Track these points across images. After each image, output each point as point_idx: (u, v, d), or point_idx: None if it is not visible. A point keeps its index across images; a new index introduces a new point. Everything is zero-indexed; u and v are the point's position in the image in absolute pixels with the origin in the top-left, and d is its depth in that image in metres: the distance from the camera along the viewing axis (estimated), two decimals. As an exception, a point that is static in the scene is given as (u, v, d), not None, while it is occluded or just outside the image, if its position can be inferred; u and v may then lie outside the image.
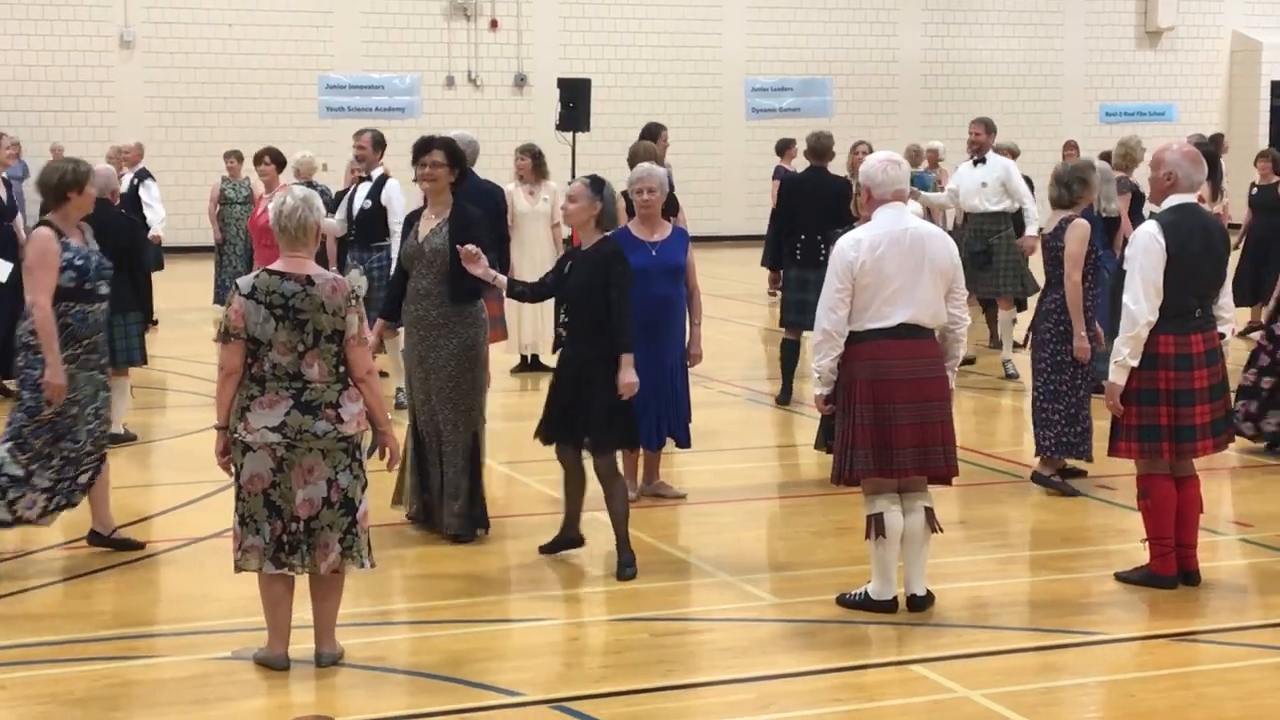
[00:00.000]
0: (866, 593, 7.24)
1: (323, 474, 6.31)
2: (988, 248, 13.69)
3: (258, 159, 14.68)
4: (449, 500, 8.36)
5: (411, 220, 8.52)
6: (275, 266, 6.36)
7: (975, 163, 13.93)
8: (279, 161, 14.59)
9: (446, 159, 8.30)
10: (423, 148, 8.37)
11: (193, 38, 26.06)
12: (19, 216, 12.97)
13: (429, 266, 8.23)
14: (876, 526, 7.14)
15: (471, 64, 27.72)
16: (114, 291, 10.51)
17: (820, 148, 12.67)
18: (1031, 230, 13.60)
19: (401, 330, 8.84)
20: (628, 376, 7.77)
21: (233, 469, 6.40)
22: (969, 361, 13.84)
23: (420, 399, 8.42)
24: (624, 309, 7.80)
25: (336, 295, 6.32)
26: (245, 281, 6.36)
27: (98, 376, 8.04)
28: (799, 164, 20.97)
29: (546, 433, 8.01)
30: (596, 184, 8.06)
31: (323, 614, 6.50)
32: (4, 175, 13.14)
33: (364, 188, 12.17)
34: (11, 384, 12.25)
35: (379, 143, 12.43)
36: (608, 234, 8.02)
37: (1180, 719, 6.04)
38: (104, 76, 25.84)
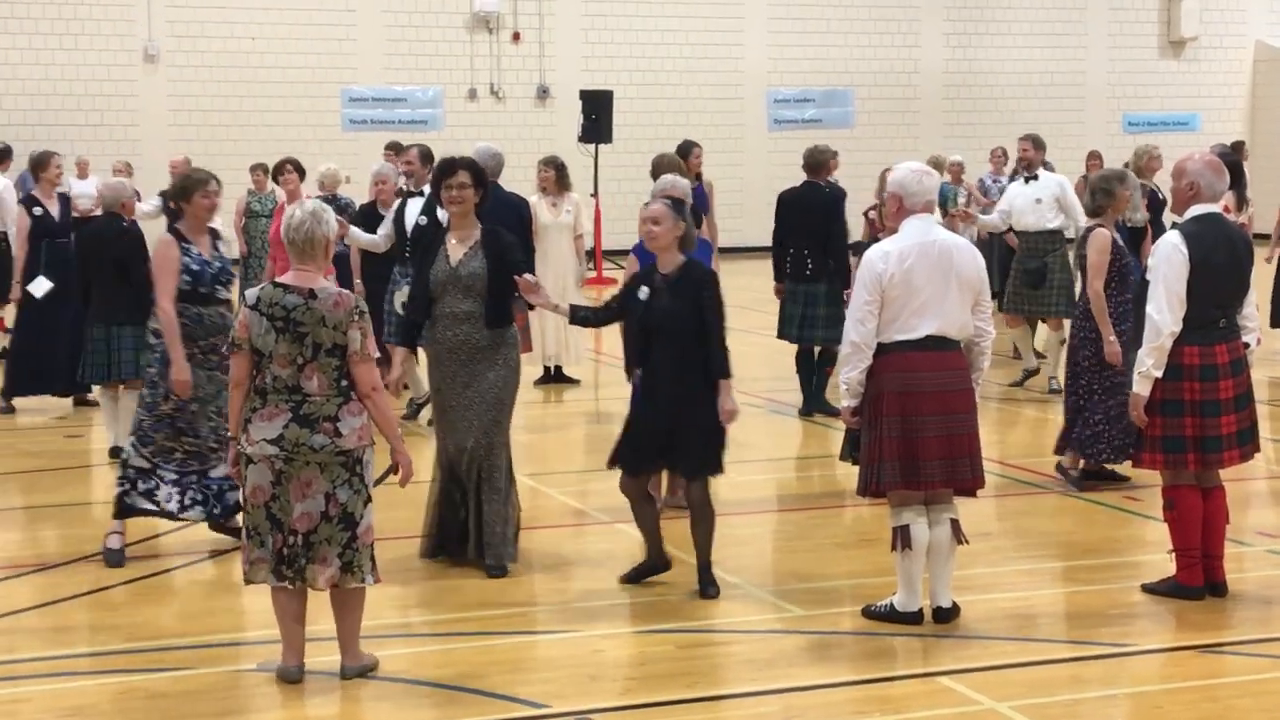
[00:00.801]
0: (892, 604, 7.22)
1: (320, 488, 6.31)
2: (1043, 266, 13.34)
3: (279, 169, 14.71)
4: (494, 529, 8.04)
5: (425, 241, 8.30)
6: (281, 279, 6.41)
7: (1026, 180, 13.79)
8: (300, 171, 14.62)
9: (472, 180, 8.07)
10: (447, 170, 8.11)
11: (216, 51, 26.15)
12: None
13: (467, 291, 7.96)
14: (903, 538, 7.11)
15: (494, 76, 27.77)
16: (114, 304, 10.70)
17: (814, 162, 12.70)
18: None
19: (417, 354, 8.74)
20: (730, 403, 7.66)
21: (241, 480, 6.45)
22: (1032, 373, 13.74)
23: (460, 428, 8.05)
24: (722, 335, 7.68)
25: (338, 310, 6.30)
26: (251, 293, 6.40)
27: (219, 376, 8.27)
28: (841, 175, 20.97)
29: (625, 461, 7.77)
30: (678, 205, 7.87)
31: (342, 627, 6.50)
32: (56, 193, 13.24)
33: (414, 203, 12.00)
34: (91, 395, 12.45)
35: (427, 157, 12.36)
36: (689, 256, 7.78)
37: (1208, 731, 6.01)
38: (128, 90, 25.94)
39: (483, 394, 8.04)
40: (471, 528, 8.10)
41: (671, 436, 7.62)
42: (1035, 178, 13.74)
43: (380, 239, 12.02)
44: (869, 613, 7.28)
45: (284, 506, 6.32)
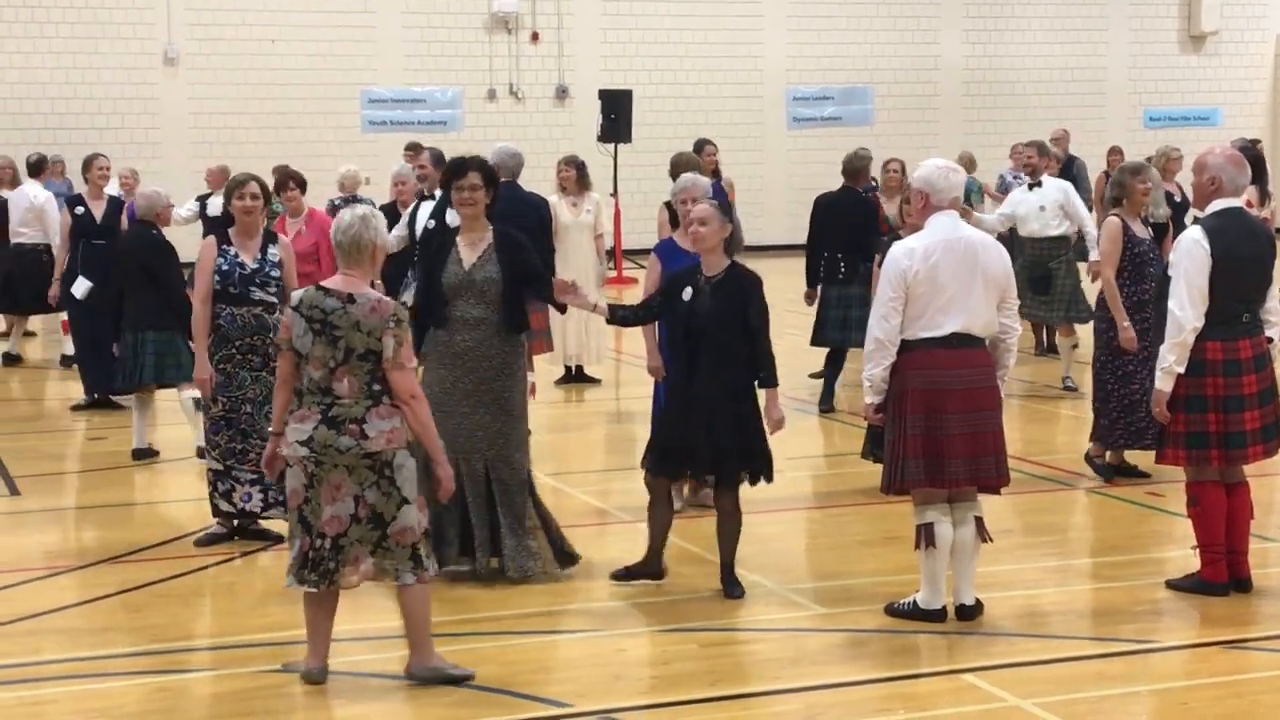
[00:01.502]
0: (915, 602, 7.21)
1: (349, 490, 6.29)
2: (1048, 273, 13.23)
3: (280, 187, 14.44)
4: (515, 538, 7.87)
5: (434, 244, 8.15)
6: (325, 282, 6.42)
7: (1031, 186, 13.75)
8: (302, 185, 14.52)
9: (484, 180, 7.88)
10: (458, 170, 7.90)
11: (236, 54, 26.20)
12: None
13: (480, 296, 7.78)
14: (927, 536, 7.10)
15: (513, 76, 27.78)
16: (141, 310, 10.78)
17: (854, 168, 12.75)
18: (1095, 254, 13.42)
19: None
20: (778, 411, 7.69)
21: (275, 475, 6.54)
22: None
23: (465, 434, 7.80)
24: (768, 341, 7.66)
25: (374, 316, 6.28)
26: (295, 294, 6.46)
27: (266, 378, 8.38)
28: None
29: (658, 463, 7.73)
30: (724, 207, 7.84)
31: (407, 628, 6.45)
32: (107, 195, 13.30)
33: (428, 206, 12.01)
34: (121, 399, 12.51)
35: (440, 160, 12.37)
36: (734, 259, 7.73)
37: (1234, 727, 5.99)
38: (149, 94, 26.01)
39: (497, 402, 7.83)
40: (480, 536, 7.88)
41: (708, 441, 7.56)
42: (1039, 184, 13.66)
43: (393, 240, 12.03)
44: (892, 610, 7.27)
45: (314, 510, 6.32)
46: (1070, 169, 16.99)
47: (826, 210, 12.76)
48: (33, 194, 15.42)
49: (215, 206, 16.09)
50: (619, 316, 8.15)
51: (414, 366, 6.47)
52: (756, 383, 7.67)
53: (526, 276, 7.89)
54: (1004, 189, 18.85)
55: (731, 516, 7.73)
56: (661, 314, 7.92)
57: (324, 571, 6.34)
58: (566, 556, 8.03)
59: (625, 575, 7.88)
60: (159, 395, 11.57)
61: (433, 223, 11.86)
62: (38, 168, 16.94)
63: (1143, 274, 9.78)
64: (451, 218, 11.74)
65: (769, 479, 7.73)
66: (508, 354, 7.86)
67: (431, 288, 7.91)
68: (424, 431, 6.42)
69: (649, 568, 7.88)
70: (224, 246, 8.62)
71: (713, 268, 7.66)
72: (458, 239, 7.94)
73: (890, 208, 13.55)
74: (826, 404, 12.67)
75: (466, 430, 7.79)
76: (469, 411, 7.80)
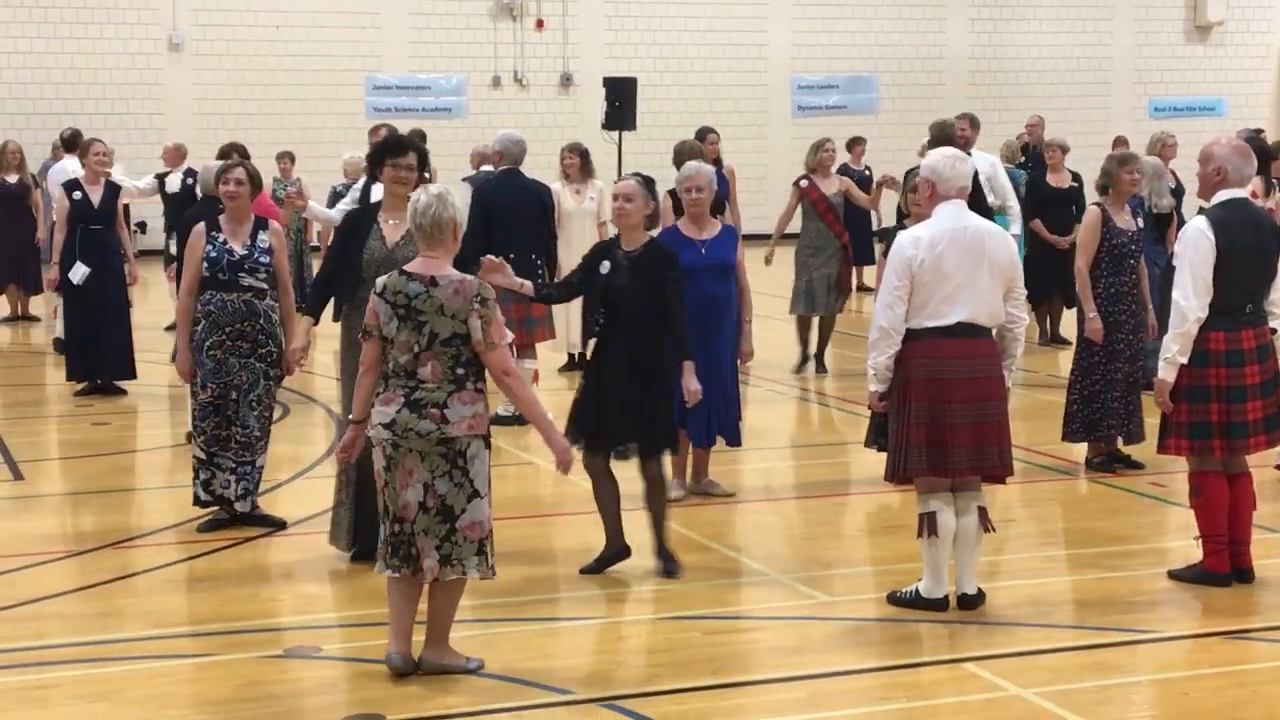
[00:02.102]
0: (917, 591, 7.21)
1: (420, 477, 6.19)
2: None
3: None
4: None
5: (358, 221, 7.91)
6: (408, 266, 6.31)
7: None
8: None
9: (418, 163, 7.86)
10: (398, 148, 7.85)
11: (240, 40, 26.19)
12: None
13: None
14: (929, 525, 7.10)
15: (517, 64, 27.76)
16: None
17: (945, 136, 12.58)
18: (1015, 229, 13.42)
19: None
20: (693, 383, 7.78)
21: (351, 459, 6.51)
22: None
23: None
24: (683, 314, 7.78)
25: (457, 298, 6.16)
26: (380, 280, 6.33)
27: (255, 364, 8.47)
28: (867, 160, 20.99)
29: (583, 439, 7.75)
30: (648, 182, 7.96)
31: (431, 617, 6.37)
32: (104, 181, 13.29)
33: (379, 186, 12.17)
34: (123, 383, 12.54)
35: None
36: (654, 235, 7.96)
37: (1234, 717, 5.99)
38: (153, 79, 26.00)
39: None
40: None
41: (626, 413, 7.66)
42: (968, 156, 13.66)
43: (337, 215, 12.08)
44: (894, 599, 7.27)
45: (392, 494, 6.25)
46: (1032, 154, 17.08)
47: None
48: (73, 169, 15.39)
49: (173, 183, 16.09)
50: (543, 295, 8.18)
51: (508, 342, 6.32)
52: (671, 356, 7.78)
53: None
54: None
55: (659, 489, 7.81)
56: (583, 290, 8.00)
57: (405, 556, 6.27)
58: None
59: (596, 567, 7.85)
60: (168, 383, 11.59)
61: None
62: (72, 143, 16.91)
63: (1122, 265, 9.82)
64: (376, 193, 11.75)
65: (675, 451, 8.07)
66: None
67: (347, 263, 7.77)
68: (527, 407, 6.35)
69: (612, 549, 7.89)
70: (213, 233, 8.59)
71: (632, 243, 7.81)
72: (379, 216, 7.85)
73: (827, 186, 13.60)
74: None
75: None
76: None
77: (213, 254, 8.53)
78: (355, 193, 12.25)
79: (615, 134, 24.32)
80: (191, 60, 26.13)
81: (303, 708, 6.17)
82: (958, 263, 6.98)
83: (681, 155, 11.47)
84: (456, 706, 6.13)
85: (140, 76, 25.92)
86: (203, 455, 8.58)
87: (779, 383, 13.56)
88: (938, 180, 7.13)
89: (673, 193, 10.55)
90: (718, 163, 14.03)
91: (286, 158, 18.68)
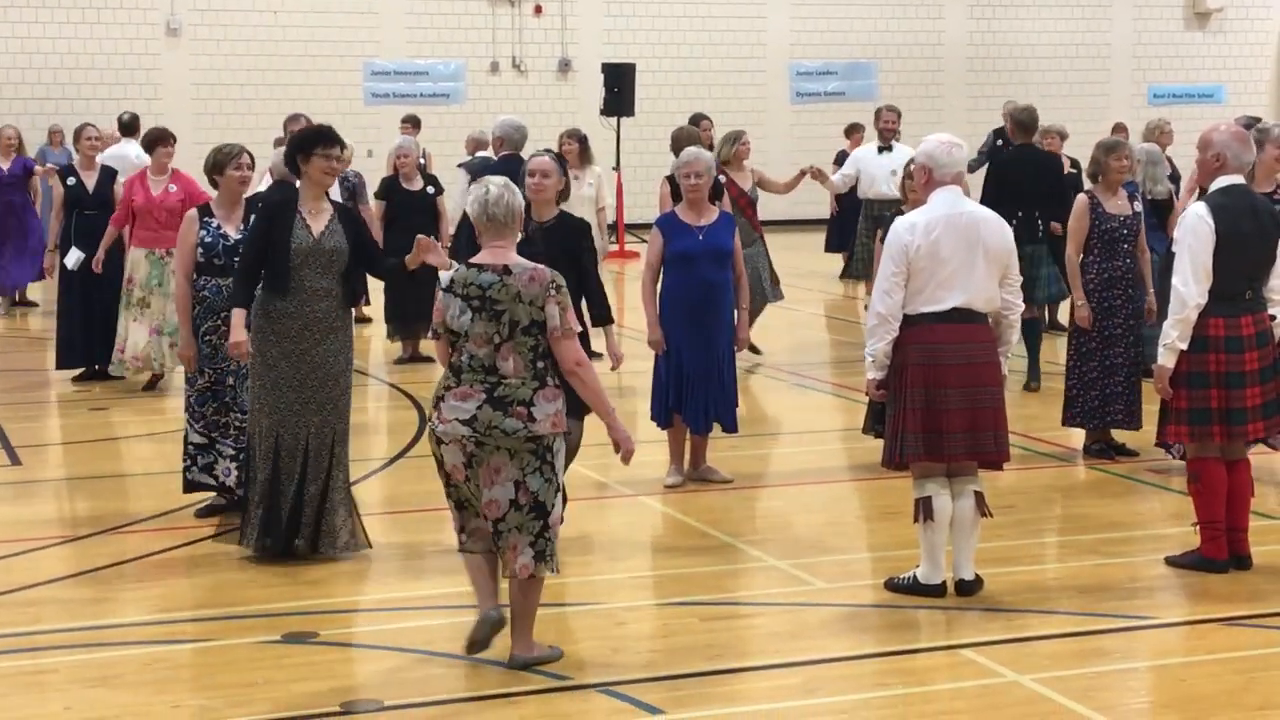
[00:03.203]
0: (915, 577, 7.21)
1: (510, 475, 6.11)
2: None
3: (159, 142, 14.08)
4: (333, 515, 7.74)
5: (280, 210, 7.78)
6: (475, 258, 6.24)
7: (881, 149, 13.83)
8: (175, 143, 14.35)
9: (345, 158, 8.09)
10: (331, 140, 7.80)
11: (238, 25, 26.13)
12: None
13: (328, 266, 7.65)
14: (925, 510, 7.10)
15: (516, 49, 27.71)
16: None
17: (1028, 121, 12.54)
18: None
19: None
20: (618, 348, 8.25)
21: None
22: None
23: (294, 409, 7.66)
24: (600, 281, 8.16)
25: (534, 285, 6.12)
26: (445, 275, 6.27)
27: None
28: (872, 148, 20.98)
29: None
30: (561, 160, 8.28)
31: (516, 614, 6.31)
32: (100, 165, 13.25)
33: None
34: (111, 368, 12.52)
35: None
36: (563, 209, 8.16)
37: (1232, 704, 5.99)
38: (150, 64, 25.95)
39: (333, 376, 7.72)
40: (306, 518, 7.73)
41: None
42: (890, 148, 13.80)
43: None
44: (891, 585, 7.28)
45: (475, 491, 6.17)
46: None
47: (1010, 168, 12.55)
48: (134, 153, 15.31)
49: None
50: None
51: (579, 331, 6.33)
52: (590, 321, 8.01)
53: (367, 250, 7.88)
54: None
55: (575, 450, 7.87)
56: None
57: (487, 546, 6.26)
58: (365, 537, 7.91)
59: None
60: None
61: (429, 190, 11.95)
62: (130, 127, 16.86)
63: (1114, 251, 9.84)
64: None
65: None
66: (348, 325, 7.88)
67: (277, 253, 7.68)
68: (595, 398, 6.29)
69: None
70: (206, 219, 8.54)
71: (544, 215, 8.00)
72: (300, 206, 7.76)
73: (744, 181, 13.54)
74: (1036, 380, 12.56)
75: (302, 403, 7.68)
76: (302, 384, 7.67)
77: (208, 239, 8.50)
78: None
79: (614, 120, 24.29)
80: (189, 46, 26.08)
81: (300, 693, 6.17)
82: (953, 248, 6.98)
83: (679, 141, 11.46)
84: (455, 692, 6.13)
85: (138, 62, 25.87)
86: (203, 441, 8.56)
87: (776, 369, 13.56)
88: (934, 166, 7.14)
89: (670, 178, 10.53)
90: (710, 149, 13.99)
91: (284, 143, 18.61)
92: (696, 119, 14.15)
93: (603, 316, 8.09)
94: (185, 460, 8.62)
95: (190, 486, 8.64)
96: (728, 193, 13.37)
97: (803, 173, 13.80)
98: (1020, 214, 11.97)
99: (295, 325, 7.68)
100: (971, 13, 30.08)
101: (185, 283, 8.51)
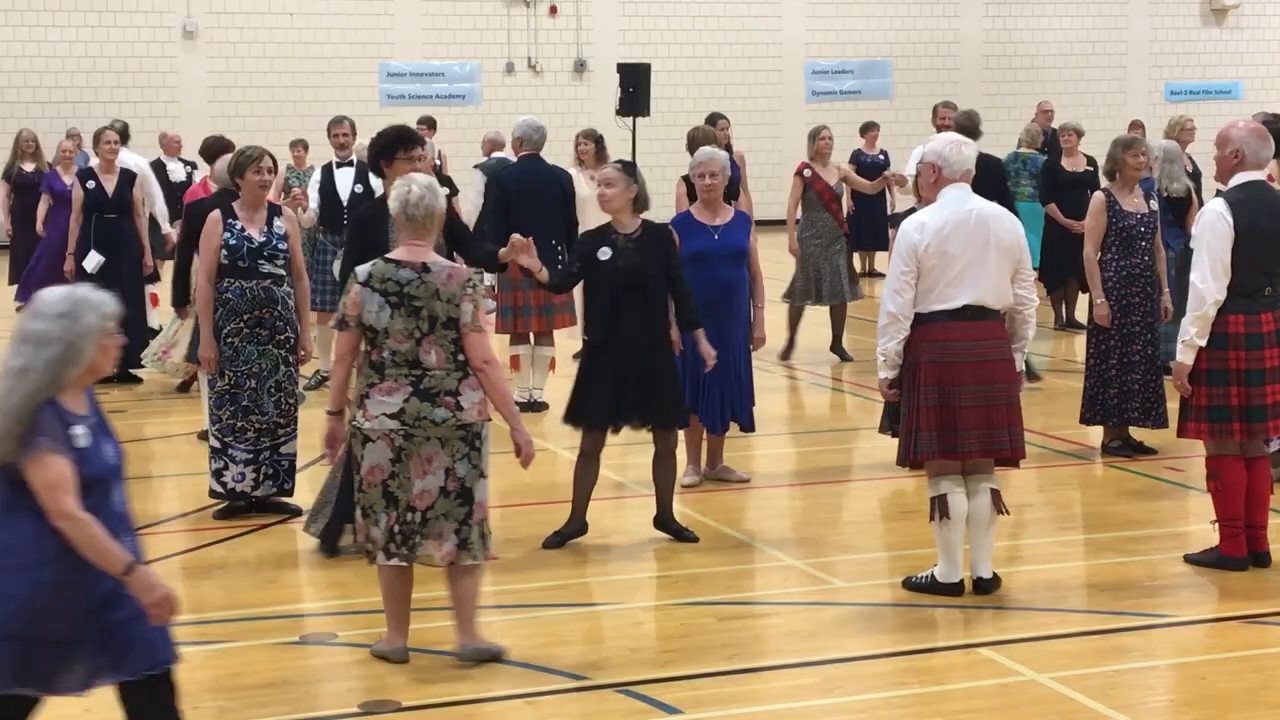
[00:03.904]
0: (933, 575, 7.20)
1: (441, 463, 6.22)
2: None
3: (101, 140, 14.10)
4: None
5: (364, 213, 7.97)
6: (392, 254, 6.34)
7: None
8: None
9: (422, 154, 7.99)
10: (412, 141, 7.89)
11: (254, 27, 26.18)
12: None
13: None
14: (940, 508, 7.09)
15: (531, 50, 27.72)
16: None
17: (971, 126, 12.57)
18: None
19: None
20: (709, 349, 8.12)
21: (347, 456, 6.41)
22: (1034, 378, 13.51)
23: None
24: (687, 286, 8.10)
25: (452, 282, 6.24)
26: (362, 270, 6.33)
27: (273, 351, 8.50)
28: (882, 145, 20.95)
29: (590, 418, 7.95)
30: (628, 167, 8.14)
31: (459, 606, 6.37)
32: (119, 169, 13.24)
33: (343, 173, 12.49)
34: (139, 371, 12.55)
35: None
36: (643, 215, 8.12)
37: (1251, 702, 5.98)
38: (167, 67, 26.01)
39: None
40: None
41: (641, 392, 7.86)
42: None
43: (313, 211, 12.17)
44: (909, 584, 7.26)
45: (403, 484, 6.23)
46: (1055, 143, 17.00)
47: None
48: (134, 161, 15.38)
49: (178, 172, 16.16)
50: (553, 284, 8.27)
51: (488, 330, 6.47)
52: (680, 325, 8.08)
53: (468, 250, 7.91)
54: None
55: (672, 460, 8.13)
56: (583, 277, 8.10)
57: (411, 545, 6.28)
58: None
59: (558, 541, 8.05)
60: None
61: (359, 187, 12.00)
62: (124, 135, 16.89)
63: (1132, 248, 9.80)
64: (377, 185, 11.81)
65: (685, 423, 8.54)
66: None
67: (369, 255, 7.58)
68: (500, 397, 6.32)
69: (576, 525, 8.10)
70: (229, 220, 8.50)
71: (626, 226, 8.01)
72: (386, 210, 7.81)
73: (830, 176, 13.57)
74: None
75: None
76: None
77: (231, 241, 8.47)
78: (314, 184, 12.44)
79: (629, 120, 24.28)
80: (205, 48, 26.14)
81: (318, 694, 6.18)
82: (963, 246, 6.98)
83: (695, 141, 11.42)
84: (471, 693, 6.13)
85: (155, 65, 25.92)
86: (218, 445, 8.56)
87: (793, 367, 13.54)
88: (943, 165, 7.14)
89: (686, 178, 10.52)
90: (727, 148, 13.99)
91: (300, 145, 18.57)
92: (714, 118, 14.12)
93: (692, 321, 8.09)
94: (212, 464, 8.63)
95: (214, 492, 8.64)
96: (812, 188, 13.41)
97: (885, 178, 13.97)
98: None
99: None
100: (987, 10, 30.02)
101: (208, 284, 8.49)
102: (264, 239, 8.52)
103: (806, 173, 13.59)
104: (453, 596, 6.38)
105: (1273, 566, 7.53)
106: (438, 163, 14.25)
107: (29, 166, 17.17)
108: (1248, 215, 7.26)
